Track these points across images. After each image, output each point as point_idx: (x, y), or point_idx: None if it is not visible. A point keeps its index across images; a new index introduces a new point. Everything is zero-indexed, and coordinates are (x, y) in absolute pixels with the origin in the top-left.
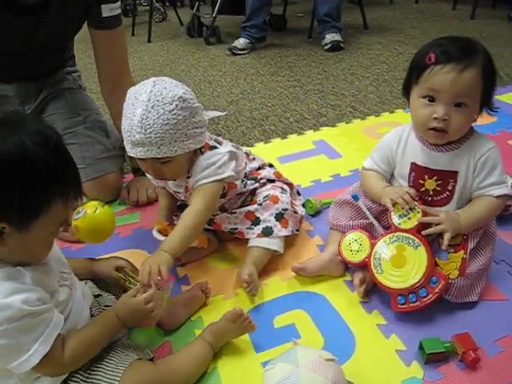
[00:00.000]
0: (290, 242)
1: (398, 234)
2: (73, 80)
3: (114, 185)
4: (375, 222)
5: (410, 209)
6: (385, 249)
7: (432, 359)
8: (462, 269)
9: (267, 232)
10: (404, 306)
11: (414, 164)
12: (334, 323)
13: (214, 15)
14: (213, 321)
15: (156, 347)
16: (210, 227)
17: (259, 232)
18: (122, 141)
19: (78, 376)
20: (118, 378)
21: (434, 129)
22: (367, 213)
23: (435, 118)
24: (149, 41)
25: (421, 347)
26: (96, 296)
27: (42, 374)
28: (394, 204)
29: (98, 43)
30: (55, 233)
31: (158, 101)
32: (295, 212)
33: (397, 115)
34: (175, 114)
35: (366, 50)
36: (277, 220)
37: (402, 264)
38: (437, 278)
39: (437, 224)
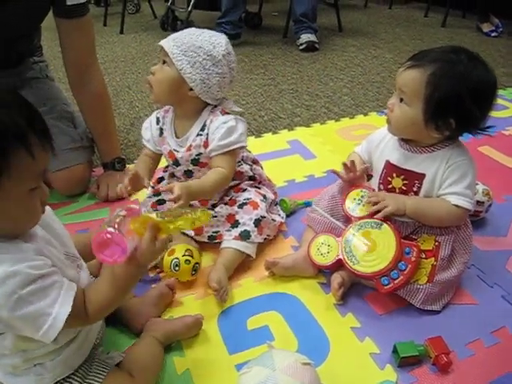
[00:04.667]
0: (264, 242)
1: (359, 222)
2: (39, 69)
3: (81, 177)
4: (334, 220)
5: (362, 197)
6: (353, 240)
7: (405, 362)
8: (431, 275)
9: (245, 235)
10: (390, 286)
11: (387, 161)
12: (308, 325)
13: (189, 9)
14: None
15: (125, 349)
16: (190, 231)
17: (236, 234)
18: (90, 132)
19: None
20: None
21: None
22: (325, 214)
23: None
24: (121, 32)
25: (395, 350)
26: None
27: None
28: (347, 194)
29: (64, 33)
30: (35, 190)
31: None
32: (273, 220)
33: (371, 118)
34: (210, 47)
35: (340, 52)
36: (255, 226)
37: (373, 248)
38: (409, 249)
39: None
